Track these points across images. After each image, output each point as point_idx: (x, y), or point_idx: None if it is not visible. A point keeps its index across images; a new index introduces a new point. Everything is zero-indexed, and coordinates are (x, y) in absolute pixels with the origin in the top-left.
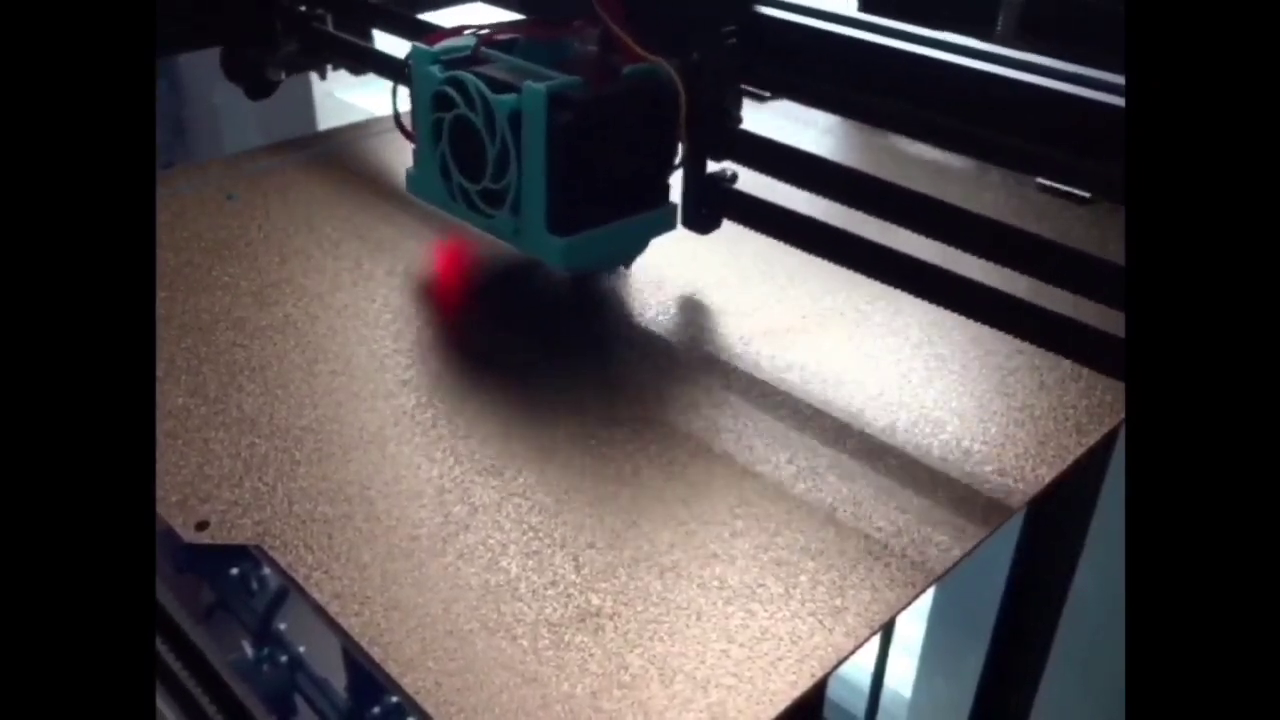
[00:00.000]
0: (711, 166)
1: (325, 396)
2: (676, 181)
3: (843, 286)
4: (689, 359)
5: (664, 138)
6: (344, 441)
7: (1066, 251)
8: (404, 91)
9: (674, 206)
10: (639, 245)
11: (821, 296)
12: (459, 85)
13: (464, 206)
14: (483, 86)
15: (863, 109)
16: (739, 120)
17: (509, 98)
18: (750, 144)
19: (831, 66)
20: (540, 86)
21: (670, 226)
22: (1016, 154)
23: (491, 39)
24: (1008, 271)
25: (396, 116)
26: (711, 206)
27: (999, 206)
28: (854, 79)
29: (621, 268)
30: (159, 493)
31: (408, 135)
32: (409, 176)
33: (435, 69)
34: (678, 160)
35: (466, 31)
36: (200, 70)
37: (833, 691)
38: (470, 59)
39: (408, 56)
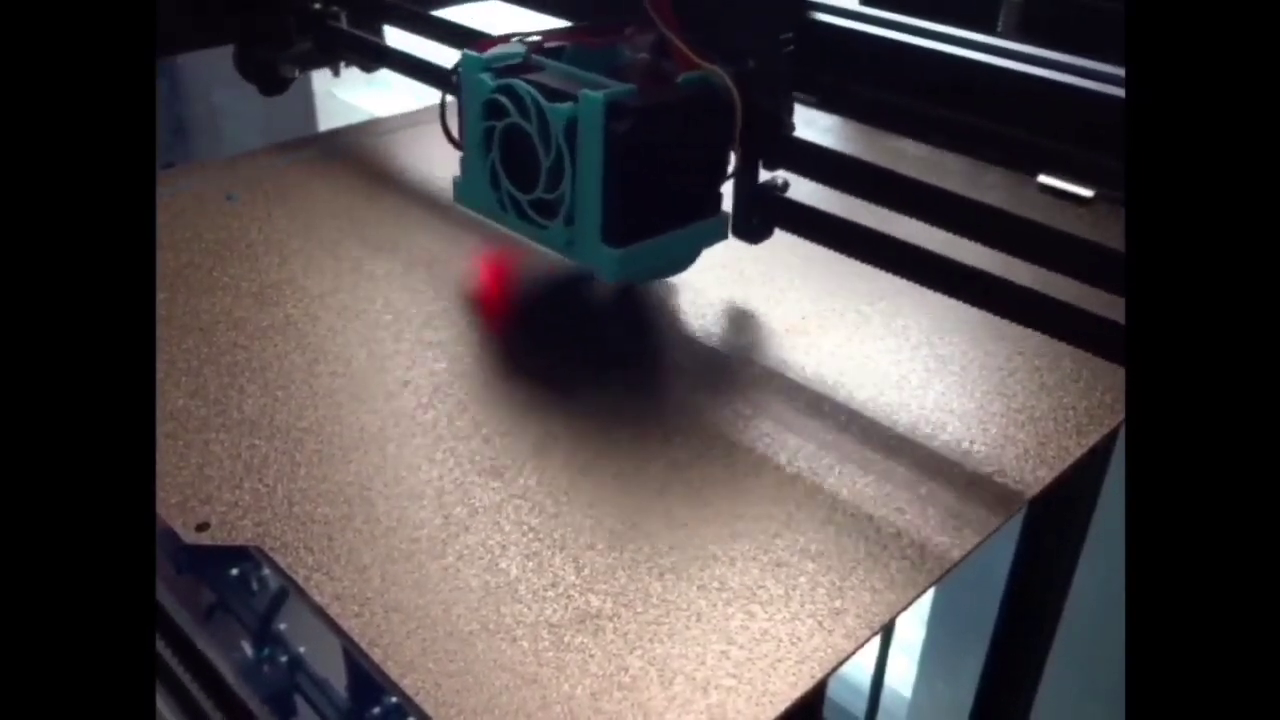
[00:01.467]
0: (763, 175)
1: (326, 398)
2: (726, 191)
3: (842, 288)
4: (689, 361)
5: (719, 146)
6: (344, 443)
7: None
8: (419, 92)
9: (726, 216)
10: (690, 256)
11: (821, 298)
12: (512, 93)
13: (514, 217)
14: (537, 95)
15: (919, 118)
16: (792, 128)
17: (565, 106)
18: (804, 152)
19: (890, 73)
20: (598, 95)
21: (722, 236)
22: (1094, 167)
23: (541, 46)
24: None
25: (444, 122)
26: (763, 216)
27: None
28: (913, 87)
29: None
30: (159, 494)
31: (455, 143)
32: (456, 186)
33: (486, 77)
34: (730, 169)
35: (514, 39)
36: (200, 70)
37: (833, 692)
38: (521, 66)
39: (457, 64)
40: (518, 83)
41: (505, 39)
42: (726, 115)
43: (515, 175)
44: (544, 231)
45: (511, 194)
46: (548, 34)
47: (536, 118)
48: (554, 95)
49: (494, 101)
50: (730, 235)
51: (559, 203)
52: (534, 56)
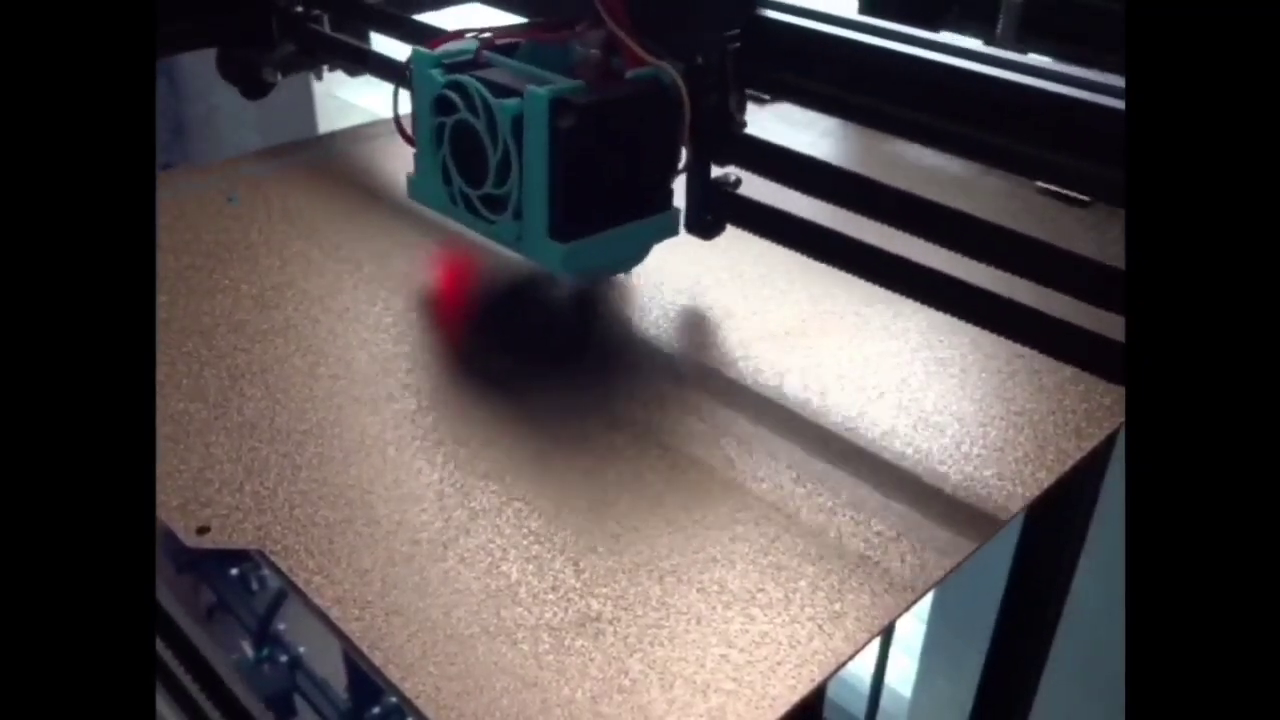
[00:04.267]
0: (715, 171)
1: (326, 400)
2: (679, 186)
3: (842, 290)
4: (689, 363)
5: (668, 142)
6: (345, 445)
7: (1069, 256)
8: (403, 94)
9: (677, 212)
10: (642, 251)
11: (821, 300)
12: (461, 89)
13: (465, 212)
14: (485, 91)
15: (866, 112)
16: (743, 124)
17: (511, 102)
18: (754, 148)
19: (836, 70)
20: (543, 91)
21: (673, 232)
22: (1020, 158)
23: (494, 43)
24: (1011, 277)
25: (397, 120)
26: (715, 212)
27: (998, 209)
28: (859, 82)
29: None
30: (160, 497)
31: (408, 140)
32: (410, 182)
33: (437, 73)
34: (681, 165)
35: (468, 35)
36: (200, 70)
37: (833, 692)
38: (472, 63)
39: (409, 60)
40: (466, 79)
41: (459, 35)
42: (674, 111)
43: (465, 171)
44: (493, 226)
45: (462, 189)
46: (500, 30)
47: (484, 113)
48: (501, 91)
49: (444, 97)
50: (683, 231)
51: (507, 198)
52: (485, 53)
